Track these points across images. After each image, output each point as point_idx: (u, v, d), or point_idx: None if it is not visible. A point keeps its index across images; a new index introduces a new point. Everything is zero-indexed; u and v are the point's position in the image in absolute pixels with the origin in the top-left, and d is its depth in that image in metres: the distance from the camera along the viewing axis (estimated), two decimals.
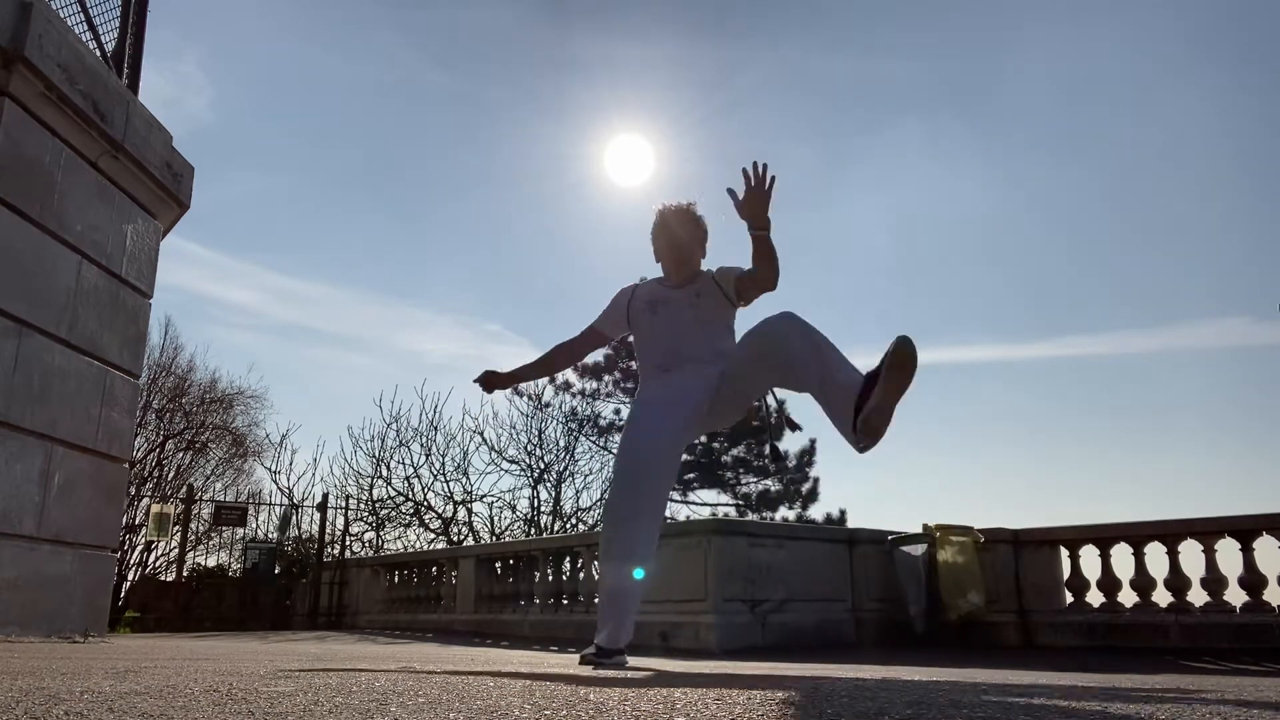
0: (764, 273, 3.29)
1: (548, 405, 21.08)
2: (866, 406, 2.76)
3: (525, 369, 3.92)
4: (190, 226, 42.88)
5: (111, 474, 5.49)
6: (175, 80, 31.00)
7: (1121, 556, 7.58)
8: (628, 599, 3.34)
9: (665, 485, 3.49)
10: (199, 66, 33.68)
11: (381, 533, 18.13)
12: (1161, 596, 7.32)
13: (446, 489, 18.69)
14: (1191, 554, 7.17)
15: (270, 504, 17.44)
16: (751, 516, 20.96)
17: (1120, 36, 30.35)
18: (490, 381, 3.82)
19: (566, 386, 23.38)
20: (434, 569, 11.91)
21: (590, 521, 19.58)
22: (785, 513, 22.56)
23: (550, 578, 9.49)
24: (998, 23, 32.55)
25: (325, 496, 15.95)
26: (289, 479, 18.64)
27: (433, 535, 18.44)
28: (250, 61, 36.28)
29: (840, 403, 2.90)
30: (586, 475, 21.11)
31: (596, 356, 25.90)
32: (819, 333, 3.05)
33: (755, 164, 3.11)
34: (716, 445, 23.49)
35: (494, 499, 19.03)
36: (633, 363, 26.17)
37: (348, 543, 16.12)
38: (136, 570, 17.28)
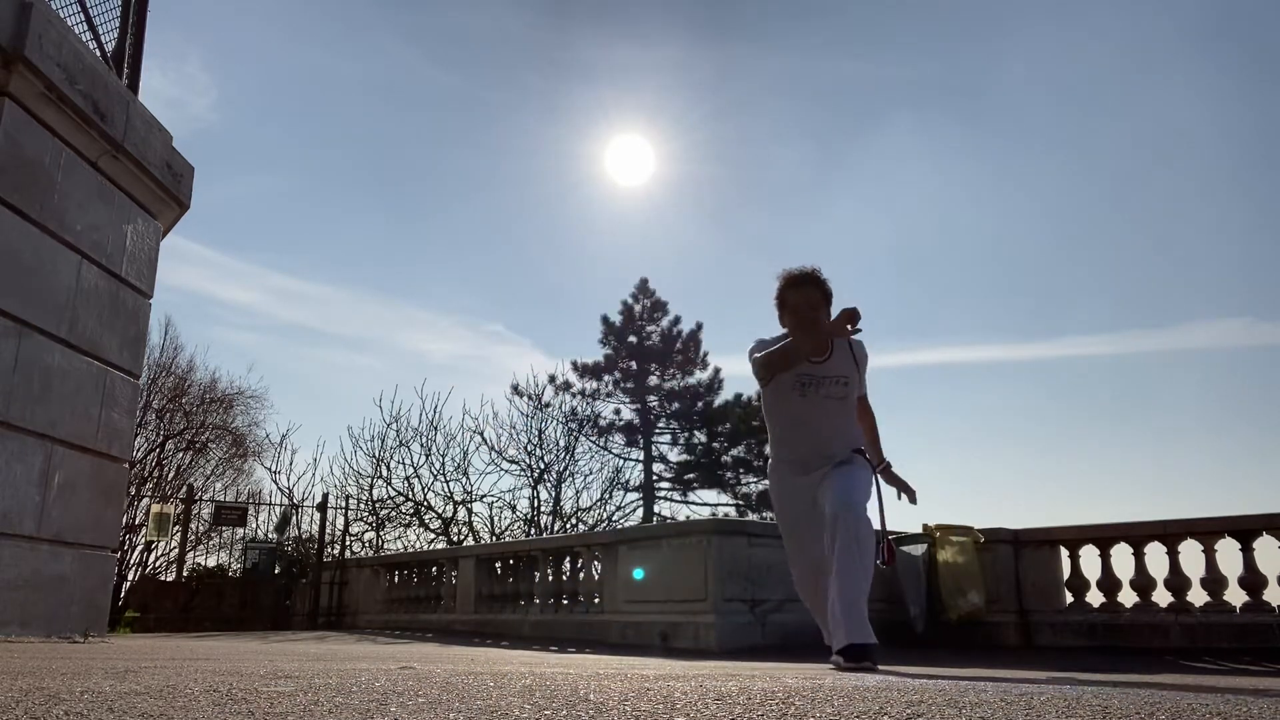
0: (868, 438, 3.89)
1: (548, 405, 21.08)
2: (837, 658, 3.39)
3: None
4: (192, 227, 42.92)
5: (111, 474, 5.48)
6: (179, 81, 31.03)
7: (1121, 556, 7.59)
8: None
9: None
10: (202, 68, 33.72)
11: (381, 533, 18.12)
12: (1161, 596, 7.31)
13: (446, 489, 18.69)
14: (1191, 554, 7.17)
15: (270, 504, 17.43)
16: (751, 516, 20.95)
17: (1118, 36, 30.36)
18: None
19: (566, 386, 23.41)
20: (434, 569, 11.91)
21: (590, 522, 19.57)
22: None
23: (550, 578, 9.49)
24: (994, 23, 32.57)
25: (325, 496, 15.94)
26: (289, 479, 18.60)
27: (433, 535, 18.43)
28: (253, 63, 36.33)
29: (837, 619, 3.43)
30: (586, 475, 21.11)
31: (596, 356, 25.86)
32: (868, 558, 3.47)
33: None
34: (717, 445, 23.49)
35: (494, 499, 19.03)
36: (632, 363, 26.19)
37: (348, 543, 16.11)
38: (136, 570, 17.24)
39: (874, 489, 3.70)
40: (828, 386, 3.67)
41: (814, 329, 3.57)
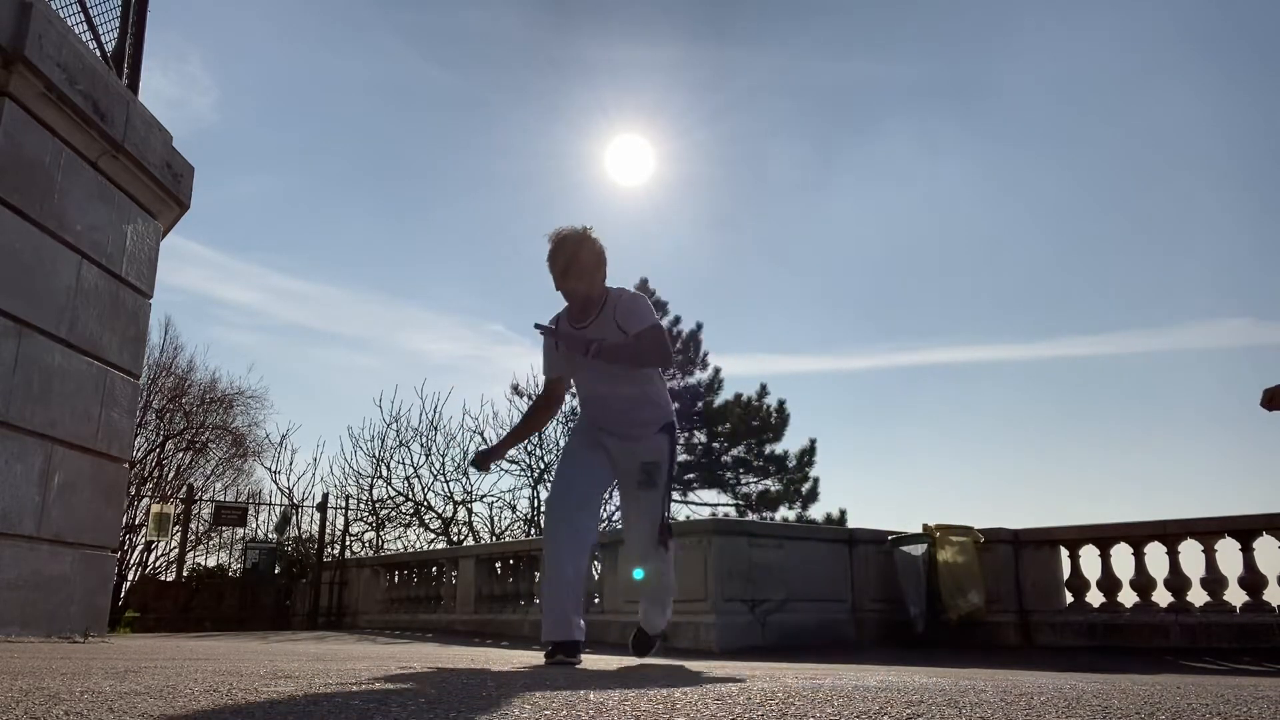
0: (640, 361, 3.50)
1: None
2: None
3: (510, 437, 4.05)
4: (193, 227, 42.90)
5: (111, 474, 5.48)
6: (180, 81, 31.03)
7: (1121, 556, 7.59)
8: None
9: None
10: (203, 68, 33.72)
11: (381, 533, 18.13)
12: (1161, 596, 7.32)
13: (446, 489, 18.69)
14: (1191, 554, 7.17)
15: (270, 504, 17.44)
16: (751, 516, 20.96)
17: (1116, 35, 30.37)
18: (484, 461, 3.81)
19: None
20: (434, 569, 11.91)
21: None
22: (785, 513, 22.56)
23: None
24: (994, 24, 32.58)
25: (325, 496, 15.94)
26: (289, 479, 18.65)
27: (433, 535, 18.44)
28: (254, 63, 36.33)
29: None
30: None
31: None
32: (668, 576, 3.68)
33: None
34: (717, 445, 23.49)
35: (494, 499, 19.04)
36: None
37: (348, 543, 16.11)
38: (136, 570, 17.26)
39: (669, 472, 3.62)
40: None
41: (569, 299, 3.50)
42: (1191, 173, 32.08)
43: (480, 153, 38.21)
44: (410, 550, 16.82)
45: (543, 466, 19.56)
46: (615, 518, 20.54)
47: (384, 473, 18.38)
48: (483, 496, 18.97)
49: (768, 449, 23.04)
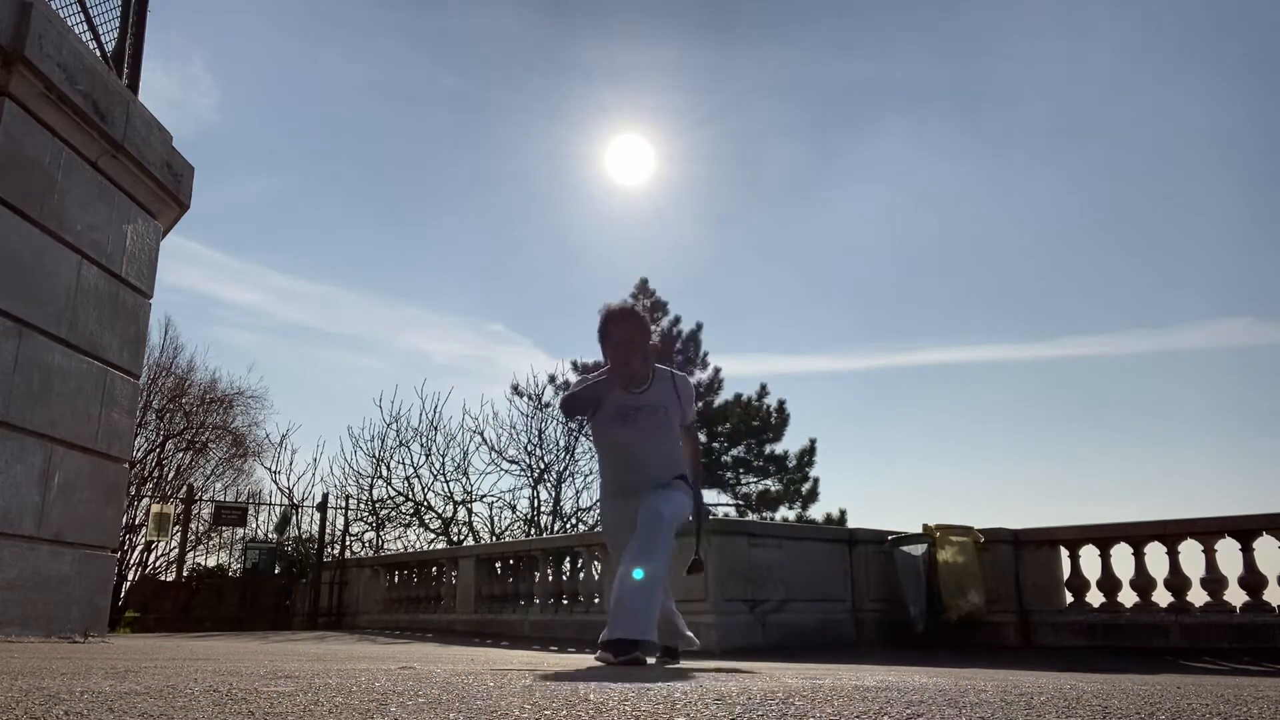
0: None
1: (548, 405, 21.05)
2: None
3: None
4: (195, 227, 42.89)
5: (111, 474, 5.48)
6: (182, 82, 31.03)
7: (1121, 556, 7.59)
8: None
9: None
10: (205, 68, 33.74)
11: (381, 533, 18.12)
12: (1161, 596, 7.31)
13: (446, 489, 18.68)
14: (1191, 554, 7.17)
15: (270, 504, 17.44)
16: (751, 516, 20.96)
17: (1116, 35, 30.37)
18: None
19: (567, 386, 23.37)
20: (434, 569, 11.91)
21: (590, 522, 19.57)
22: (785, 513, 22.58)
23: (550, 578, 9.49)
24: (993, 24, 32.57)
25: (325, 496, 15.93)
26: (289, 479, 18.62)
27: (433, 535, 18.43)
28: (256, 64, 36.34)
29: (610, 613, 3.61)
30: (586, 475, 21.10)
31: (597, 356, 25.84)
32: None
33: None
34: (717, 445, 23.50)
35: (494, 499, 19.01)
36: None
37: (348, 543, 16.10)
38: (136, 570, 17.25)
39: (689, 509, 3.96)
40: (647, 415, 3.87)
41: (623, 368, 3.80)
42: (1191, 172, 32.09)
43: (481, 153, 38.24)
44: (410, 550, 16.81)
45: (542, 467, 19.57)
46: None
47: (384, 473, 18.38)
48: (483, 496, 18.98)
49: (768, 449, 23.06)
